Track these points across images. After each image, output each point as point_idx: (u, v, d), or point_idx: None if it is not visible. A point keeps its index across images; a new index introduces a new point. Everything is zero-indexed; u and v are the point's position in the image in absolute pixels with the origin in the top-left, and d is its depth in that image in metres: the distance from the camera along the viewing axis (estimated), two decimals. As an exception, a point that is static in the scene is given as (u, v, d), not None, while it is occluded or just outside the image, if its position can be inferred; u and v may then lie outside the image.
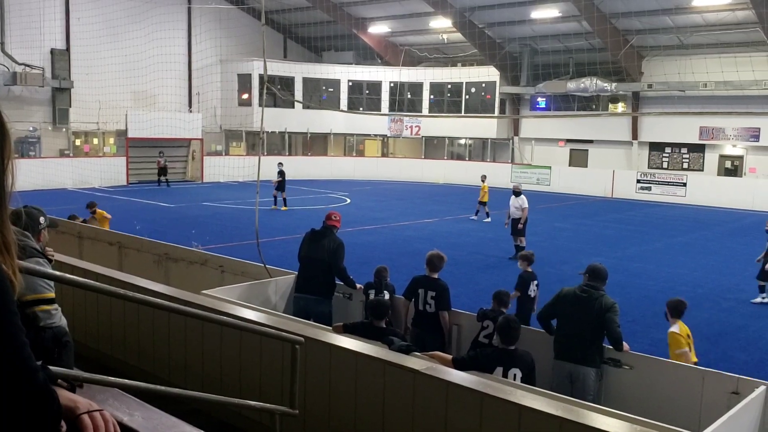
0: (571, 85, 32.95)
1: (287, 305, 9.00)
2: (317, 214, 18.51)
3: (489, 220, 22.22)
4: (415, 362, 4.68)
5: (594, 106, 34.63)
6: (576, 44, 32.35)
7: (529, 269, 9.81)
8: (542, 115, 35.66)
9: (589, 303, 6.38)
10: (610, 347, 6.33)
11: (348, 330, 6.46)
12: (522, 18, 31.97)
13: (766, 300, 12.93)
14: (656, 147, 33.51)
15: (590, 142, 34.98)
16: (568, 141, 35.70)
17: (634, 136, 33.45)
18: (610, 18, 29.74)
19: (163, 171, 32.46)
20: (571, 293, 6.58)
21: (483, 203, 22.69)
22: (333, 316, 8.25)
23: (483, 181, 23.14)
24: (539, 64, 34.77)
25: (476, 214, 22.95)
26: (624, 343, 6.32)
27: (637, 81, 32.10)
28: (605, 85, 32.20)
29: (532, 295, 9.66)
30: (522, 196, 16.94)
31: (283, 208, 24.02)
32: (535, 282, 9.75)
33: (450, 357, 5.81)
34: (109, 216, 14.68)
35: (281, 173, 24.28)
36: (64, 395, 1.50)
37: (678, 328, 6.97)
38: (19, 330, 1.26)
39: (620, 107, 34.73)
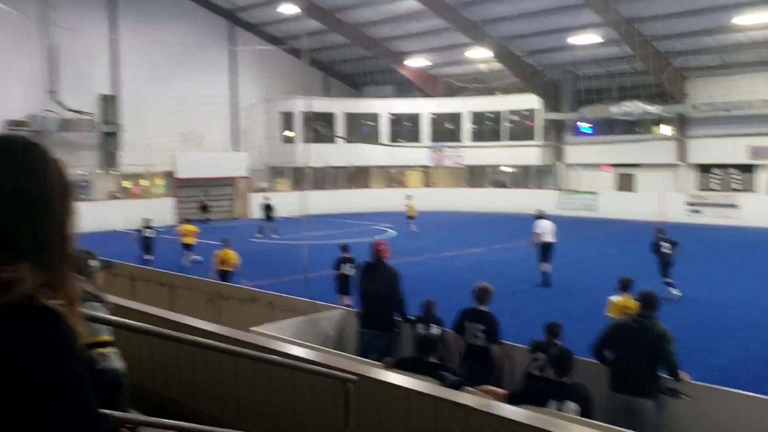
0: (615, 110, 32.57)
1: (337, 340, 9.01)
2: (362, 247, 18.58)
3: (416, 230, 27.48)
4: (468, 398, 4.60)
5: (639, 130, 34.14)
6: (618, 68, 32.06)
7: None
8: (586, 141, 35.28)
9: (643, 332, 6.22)
10: (669, 377, 6.14)
11: (397, 366, 6.40)
12: (561, 45, 31.90)
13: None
14: (704, 168, 32.77)
15: (636, 165, 34.39)
16: (614, 165, 35.16)
17: (681, 158, 32.80)
18: (651, 41, 29.44)
19: (204, 209, 32.60)
20: (624, 322, 6.44)
21: (411, 217, 28.68)
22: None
23: (408, 199, 29.67)
24: (581, 89, 34.52)
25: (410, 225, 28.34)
26: (682, 372, 6.12)
27: (681, 103, 31.58)
28: (649, 108, 31.74)
29: None
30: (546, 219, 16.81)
31: (276, 237, 26.11)
32: None
33: (503, 391, 5.71)
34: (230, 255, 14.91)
35: (268, 207, 27.03)
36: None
37: (618, 297, 9.58)
38: (83, 381, 1.28)
39: (666, 130, 34.15)
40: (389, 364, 6.48)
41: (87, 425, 1.27)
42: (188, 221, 23.70)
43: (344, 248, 13.70)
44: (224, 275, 14.18)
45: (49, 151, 1.43)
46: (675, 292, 14.92)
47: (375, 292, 8.41)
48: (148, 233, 21.65)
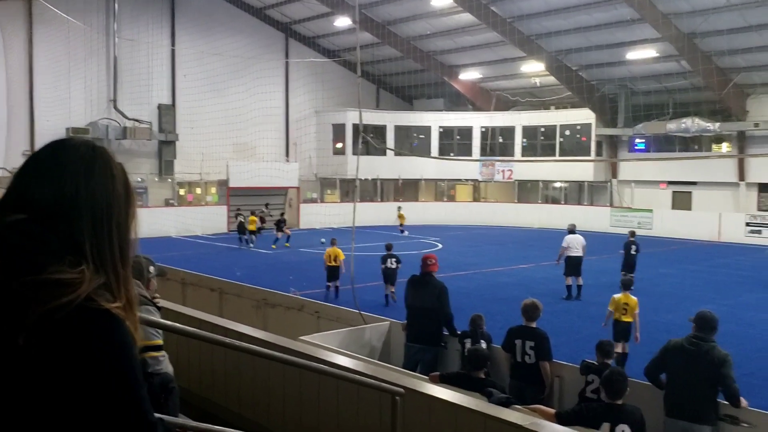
0: (671, 126, 31.86)
1: (382, 352, 8.97)
2: (408, 260, 18.53)
3: (405, 233, 30.51)
4: (517, 416, 4.51)
5: (696, 147, 33.29)
6: (675, 84, 31.38)
7: None
8: (641, 157, 34.54)
9: (699, 356, 5.98)
10: (726, 402, 5.91)
11: (444, 380, 6.33)
12: (617, 59, 31.39)
13: None
14: (765, 188, 31.71)
15: (694, 183, 33.49)
16: (670, 183, 34.32)
17: (741, 176, 31.82)
18: (711, 56, 28.71)
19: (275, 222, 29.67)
20: (679, 345, 6.19)
21: (402, 225, 32.14)
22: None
23: (399, 210, 33.19)
24: (637, 104, 33.87)
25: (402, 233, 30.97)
26: (741, 398, 5.89)
27: (742, 120, 30.67)
28: (708, 124, 30.95)
29: None
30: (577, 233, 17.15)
31: (286, 244, 27.17)
32: None
33: (552, 411, 5.58)
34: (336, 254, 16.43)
35: (282, 221, 28.44)
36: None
37: (619, 294, 10.98)
38: (141, 385, 1.29)
39: (724, 147, 33.22)
40: (437, 378, 6.41)
41: (142, 427, 1.27)
42: (253, 213, 28.99)
43: (388, 247, 16.38)
44: (332, 270, 16.32)
45: (113, 155, 1.46)
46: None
47: (422, 306, 8.36)
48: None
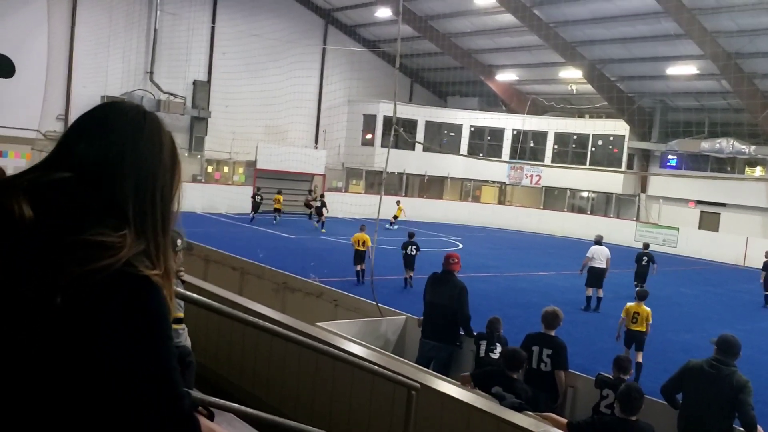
0: (706, 145, 31.40)
1: (397, 346, 8.98)
2: (427, 256, 18.51)
3: (393, 228, 29.65)
4: (530, 422, 4.48)
5: (729, 168, 32.77)
6: (713, 103, 30.92)
7: None
8: (672, 173, 34.06)
9: (719, 380, 5.90)
10: (742, 430, 5.83)
11: (477, 378, 6.39)
12: (657, 73, 30.99)
13: None
14: (797, 216, 31.15)
15: (723, 205, 32.97)
16: (699, 203, 33.82)
17: (773, 202, 31.28)
18: (752, 78, 28.21)
19: (310, 206, 32.38)
20: (698, 367, 6.11)
21: (396, 217, 31.28)
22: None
23: (398, 204, 32.13)
24: (672, 120, 33.43)
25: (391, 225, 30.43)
26: (759, 427, 5.80)
27: (778, 145, 30.14)
28: (743, 147, 30.44)
29: None
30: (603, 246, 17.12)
31: (322, 230, 28.42)
32: None
33: (564, 420, 5.55)
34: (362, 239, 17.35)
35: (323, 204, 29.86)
36: (205, 424, 1.51)
37: (632, 303, 11.37)
38: (173, 355, 1.28)
39: (758, 171, 32.66)
40: (468, 379, 6.47)
41: (170, 400, 1.26)
42: (279, 192, 31.38)
43: (410, 235, 17.71)
44: (360, 254, 17.23)
45: (163, 123, 1.45)
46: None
47: (441, 303, 8.35)
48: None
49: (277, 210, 30.51)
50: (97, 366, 1.19)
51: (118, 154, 1.33)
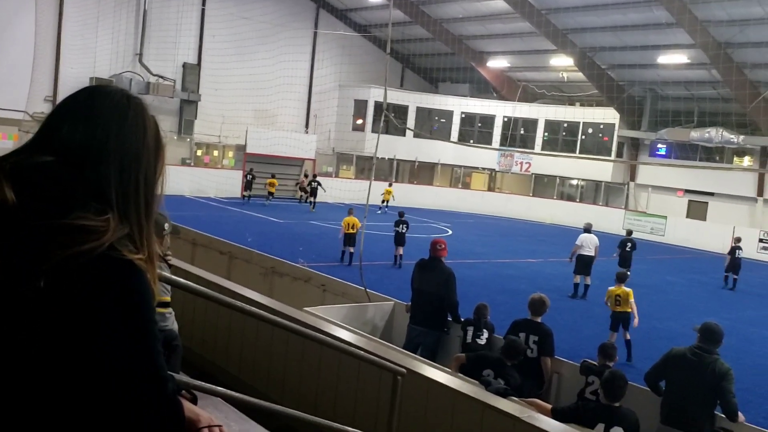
0: (695, 134, 31.54)
1: (384, 331, 9.01)
2: (417, 242, 18.56)
3: (383, 212, 30.52)
4: (514, 408, 4.52)
5: (718, 158, 32.96)
6: (703, 92, 31.02)
7: None
8: (661, 162, 34.20)
9: (701, 367, 5.96)
10: (723, 416, 5.91)
11: (471, 361, 6.44)
12: (647, 62, 31.03)
13: None
14: (784, 205, 31.42)
15: (711, 194, 33.20)
16: (687, 191, 34.04)
17: (760, 192, 31.52)
18: (741, 68, 28.31)
19: (305, 190, 33.57)
20: (681, 354, 6.16)
21: (385, 201, 32.57)
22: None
23: (390, 186, 33.84)
24: (662, 109, 33.54)
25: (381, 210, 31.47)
26: (740, 413, 5.87)
27: (766, 135, 30.30)
28: (732, 136, 30.60)
29: None
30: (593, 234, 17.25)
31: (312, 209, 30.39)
32: None
33: (549, 406, 5.60)
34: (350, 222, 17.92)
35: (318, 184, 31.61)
36: (188, 407, 1.52)
37: (613, 287, 11.79)
38: (156, 339, 1.28)
39: (746, 161, 32.86)
40: (463, 359, 6.55)
41: (153, 383, 1.27)
42: (273, 176, 32.68)
43: (401, 214, 18.98)
44: (350, 237, 17.69)
45: (147, 107, 1.45)
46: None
47: (428, 290, 8.37)
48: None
49: (270, 193, 31.92)
50: (79, 349, 1.20)
51: (101, 138, 1.32)
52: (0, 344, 1.19)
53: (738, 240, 21.73)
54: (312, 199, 31.49)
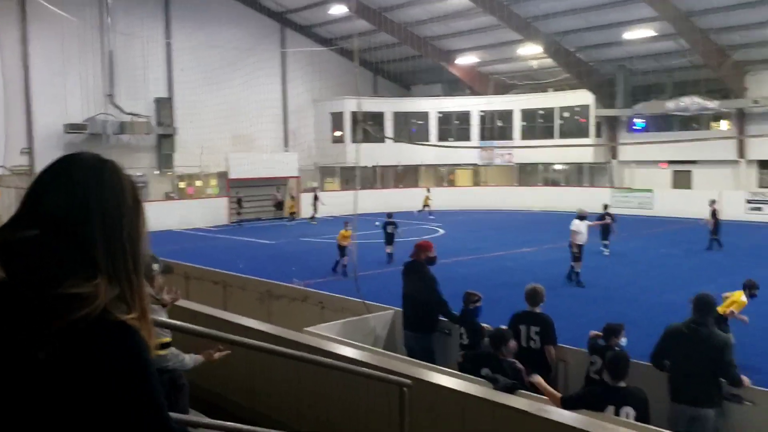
0: (671, 105, 31.77)
1: (387, 341, 9.02)
2: (409, 246, 18.57)
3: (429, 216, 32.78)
4: (524, 403, 4.56)
5: (696, 125, 33.22)
6: (674, 63, 31.29)
7: None
8: (640, 140, 34.38)
9: (698, 341, 5.98)
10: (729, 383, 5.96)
11: (468, 359, 6.46)
12: (615, 40, 31.30)
13: None
14: (765, 165, 31.67)
15: (693, 162, 33.41)
16: (670, 162, 34.22)
17: (741, 154, 31.79)
18: (709, 34, 28.59)
19: (279, 206, 34.47)
20: (678, 330, 6.20)
21: (427, 205, 34.32)
22: (435, 352, 8.20)
23: (428, 191, 35.73)
24: (636, 85, 33.78)
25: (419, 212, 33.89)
26: (743, 377, 5.93)
27: (741, 97, 30.60)
28: (707, 103, 30.85)
29: None
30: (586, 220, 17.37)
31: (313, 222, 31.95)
32: None
33: (558, 395, 5.64)
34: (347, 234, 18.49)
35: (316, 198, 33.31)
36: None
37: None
38: (159, 393, 1.31)
39: (724, 125, 33.13)
40: (461, 359, 6.59)
41: None
42: (292, 197, 34.55)
43: (389, 215, 20.36)
44: (343, 249, 18.31)
45: (122, 168, 1.48)
46: (606, 252, 20.55)
47: (412, 294, 8.38)
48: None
49: (292, 214, 33.80)
50: (83, 415, 1.22)
51: (82, 203, 1.35)
52: (6, 413, 1.21)
53: (713, 201, 22.74)
54: (314, 213, 33.21)
